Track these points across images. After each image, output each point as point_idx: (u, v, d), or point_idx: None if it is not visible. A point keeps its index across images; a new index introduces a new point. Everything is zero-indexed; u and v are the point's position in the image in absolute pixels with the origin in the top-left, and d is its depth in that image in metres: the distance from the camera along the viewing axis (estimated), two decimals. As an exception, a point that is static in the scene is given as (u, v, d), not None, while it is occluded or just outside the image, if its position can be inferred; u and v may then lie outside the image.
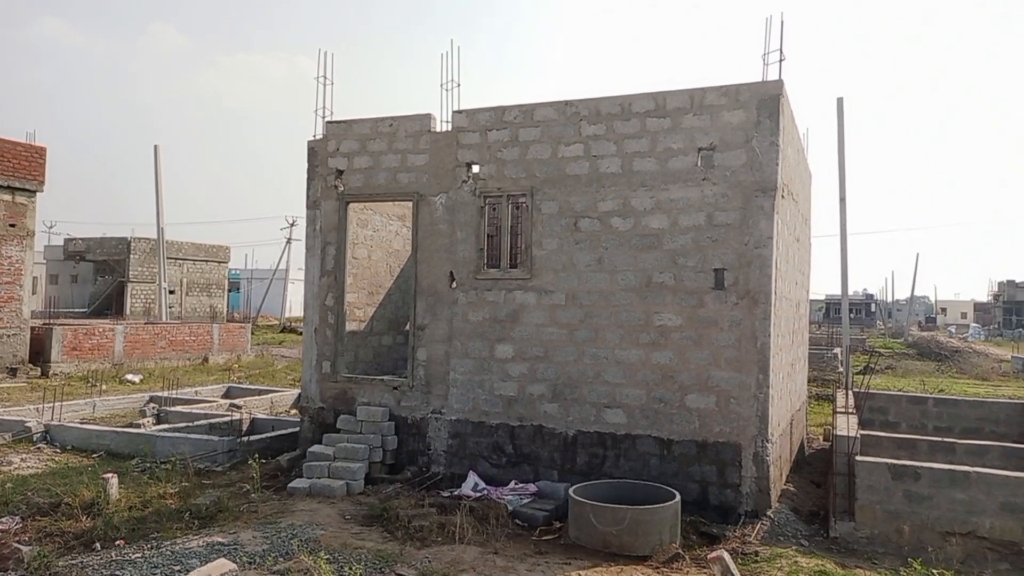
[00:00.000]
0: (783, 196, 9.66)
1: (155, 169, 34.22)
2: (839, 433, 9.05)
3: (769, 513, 9.05)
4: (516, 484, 9.95)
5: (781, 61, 9.41)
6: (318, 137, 11.82)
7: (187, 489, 9.96)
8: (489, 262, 10.86)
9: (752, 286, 9.22)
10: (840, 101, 24.65)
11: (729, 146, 9.39)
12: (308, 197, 11.85)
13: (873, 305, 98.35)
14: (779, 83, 9.29)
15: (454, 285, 10.80)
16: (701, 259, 9.47)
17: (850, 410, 11.55)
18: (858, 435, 9.03)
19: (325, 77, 11.82)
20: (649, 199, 9.74)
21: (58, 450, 12.75)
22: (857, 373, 26.95)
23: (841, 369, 29.37)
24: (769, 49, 9.48)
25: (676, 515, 8.24)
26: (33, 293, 51.51)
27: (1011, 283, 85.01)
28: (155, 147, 34.07)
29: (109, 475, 9.64)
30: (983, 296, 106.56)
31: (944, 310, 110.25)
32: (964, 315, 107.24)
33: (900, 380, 29.38)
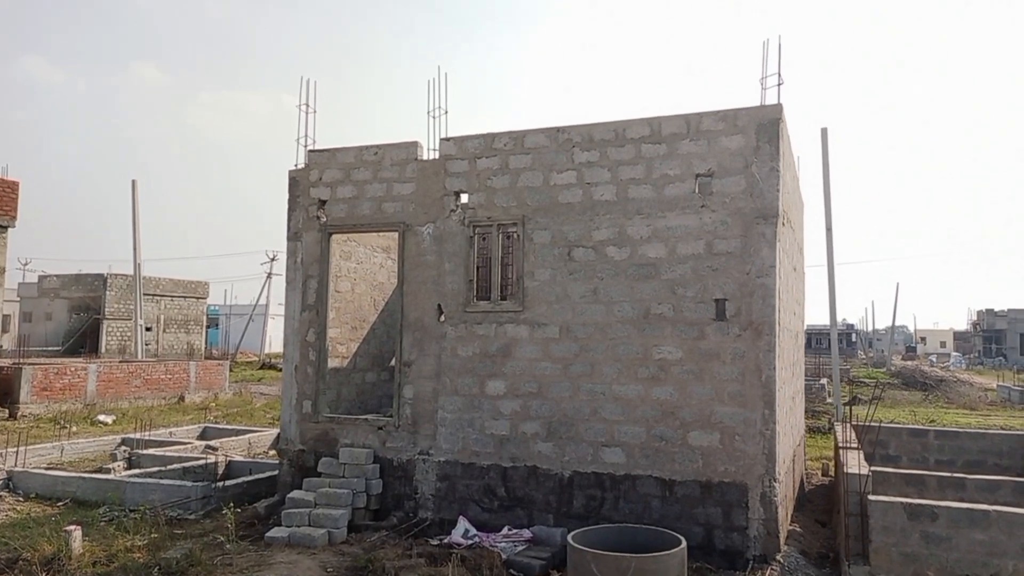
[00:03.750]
0: (783, 224, 9.32)
1: (132, 204, 33.60)
2: (850, 471, 8.60)
3: (778, 557, 8.56)
4: (509, 530, 9.39)
5: (780, 85, 9.16)
6: (300, 166, 11.39)
7: (157, 541, 9.28)
8: (479, 294, 10.41)
9: (755, 317, 8.82)
10: (824, 131, 24.72)
11: (728, 172, 9.07)
12: (289, 228, 11.36)
13: (853, 335, 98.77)
14: (778, 107, 9.01)
15: (442, 319, 10.32)
16: (701, 289, 9.07)
17: (853, 445, 11.12)
18: (870, 473, 8.59)
19: (307, 105, 11.43)
20: (646, 227, 9.37)
21: (21, 498, 11.99)
22: (845, 404, 26.70)
23: (830, 400, 29.08)
24: (767, 73, 9.23)
25: (683, 563, 7.70)
26: (6, 332, 50.25)
27: (990, 312, 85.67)
28: (132, 182, 33.50)
29: (72, 527, 8.96)
30: (962, 325, 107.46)
31: (923, 339, 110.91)
32: (943, 344, 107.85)
33: (890, 411, 29.06)
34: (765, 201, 8.89)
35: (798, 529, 10.01)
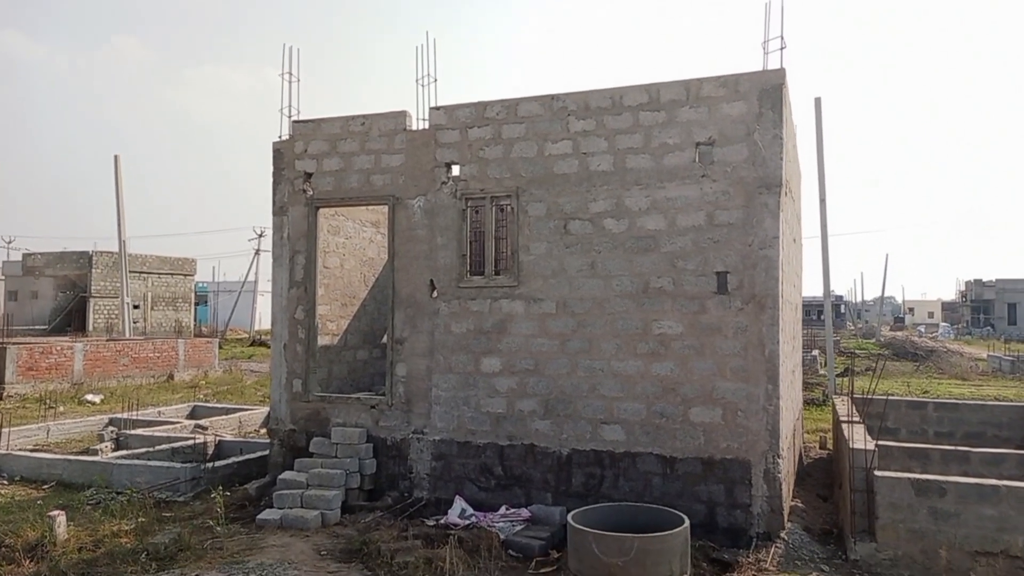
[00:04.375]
0: (785, 193, 9.03)
1: (115, 179, 32.97)
2: (856, 446, 8.41)
3: (782, 535, 8.39)
4: (507, 509, 9.18)
5: (782, 49, 8.81)
6: (284, 138, 10.98)
7: (144, 525, 9.03)
8: (472, 269, 10.10)
9: (758, 290, 8.56)
10: (818, 101, 24.32)
11: (729, 140, 8.75)
12: (274, 203, 10.99)
13: (842, 306, 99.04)
14: (781, 72, 8.67)
15: (435, 294, 10.02)
16: (702, 262, 8.80)
17: (854, 418, 10.95)
18: (876, 448, 8.40)
19: (290, 73, 11.00)
20: (644, 198, 9.06)
21: (5, 481, 11.71)
22: (838, 375, 26.64)
23: (823, 372, 29.04)
24: (769, 36, 8.88)
25: (686, 542, 7.50)
26: (-9, 311, 49.55)
27: (978, 282, 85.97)
28: (115, 157, 32.84)
29: (56, 512, 8.69)
30: (949, 295, 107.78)
31: (912, 310, 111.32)
32: (931, 314, 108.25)
33: (883, 382, 28.98)
34: (768, 170, 8.59)
35: (800, 505, 9.85)
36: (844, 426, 10.33)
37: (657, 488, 8.82)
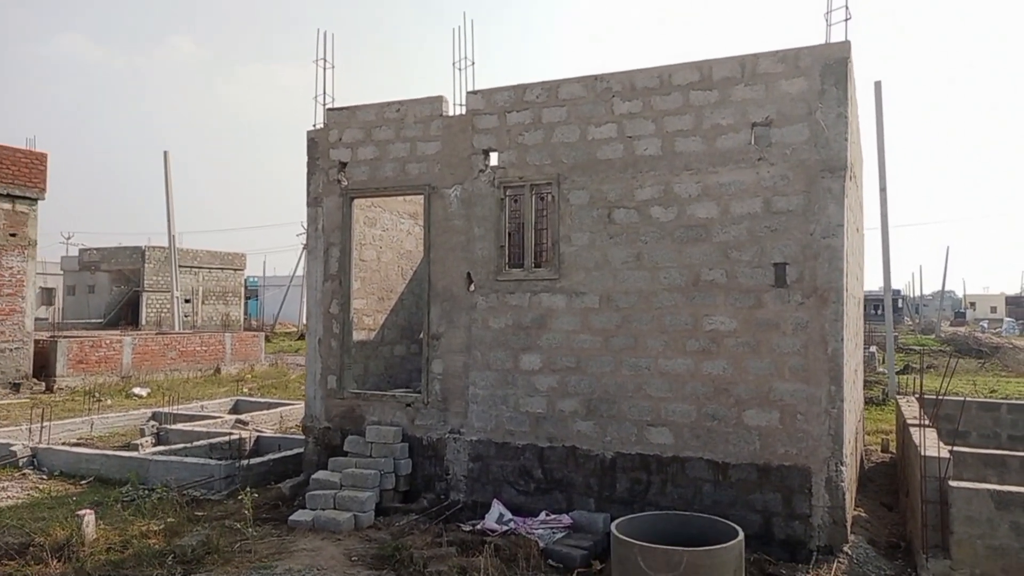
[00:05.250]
0: (850, 178, 8.32)
1: (165, 175, 33.40)
2: (929, 454, 7.68)
3: (845, 548, 7.72)
4: (547, 515, 8.69)
5: (847, 20, 8.09)
6: (318, 126, 10.64)
7: (173, 525, 8.78)
8: (511, 261, 9.62)
9: (820, 282, 7.88)
10: (878, 85, 23.24)
11: (788, 120, 8.07)
12: (308, 193, 10.67)
13: (900, 301, 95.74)
14: (846, 45, 7.96)
15: (472, 288, 9.56)
16: (758, 252, 8.15)
17: (924, 422, 10.16)
18: (951, 456, 7.66)
19: (325, 60, 10.65)
20: (695, 184, 8.44)
21: (44, 476, 11.67)
22: (898, 373, 25.41)
23: (882, 369, 27.79)
24: (832, 7, 8.16)
25: (740, 556, 6.91)
26: (51, 305, 51.02)
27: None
28: (164, 153, 33.27)
29: (85, 511, 8.49)
30: (1014, 289, 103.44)
31: (973, 304, 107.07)
32: (994, 309, 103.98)
33: (946, 381, 27.62)
34: (831, 152, 7.89)
35: (863, 515, 9.15)
36: (913, 430, 9.57)
37: (708, 496, 8.22)
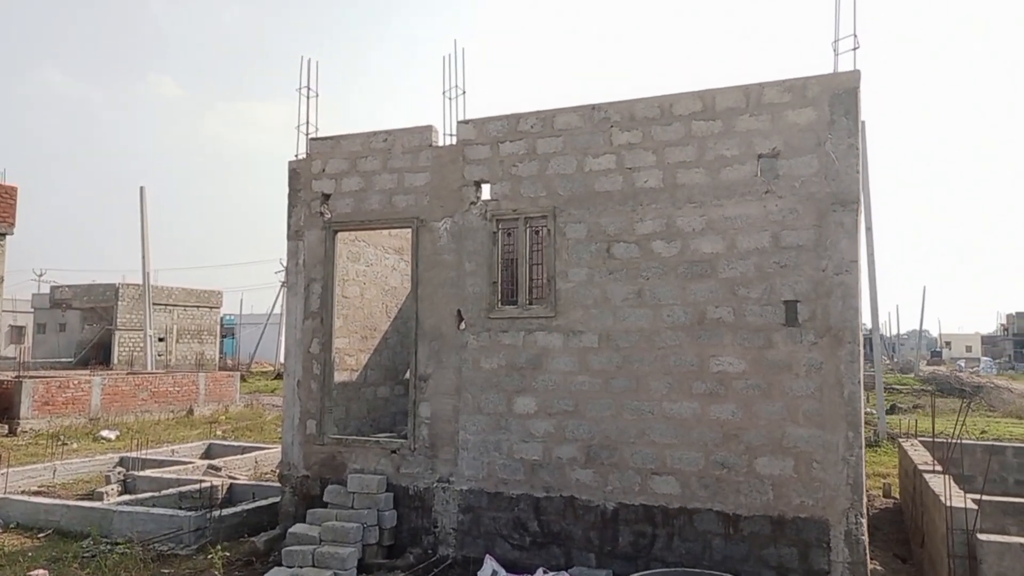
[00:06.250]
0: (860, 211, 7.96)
1: (141, 210, 32.67)
2: (954, 504, 7.20)
3: (868, 608, 7.16)
4: (544, 572, 8.05)
5: (856, 49, 7.79)
6: (301, 156, 10.16)
7: (136, 586, 8.04)
8: (504, 298, 9.11)
9: (833, 321, 7.45)
10: (862, 125, 23.28)
11: (796, 151, 7.72)
12: (289, 226, 10.13)
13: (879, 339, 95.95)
14: (856, 74, 7.65)
15: (463, 326, 9.03)
16: (767, 289, 7.72)
17: (936, 467, 9.71)
18: (978, 508, 7.18)
19: (308, 88, 10.20)
20: (699, 218, 8.03)
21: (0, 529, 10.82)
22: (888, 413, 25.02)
23: (870, 409, 27.44)
24: (839, 36, 7.87)
25: (759, 620, 6.36)
26: (21, 343, 49.53)
27: (1020, 315, 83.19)
28: (140, 188, 32.60)
29: (38, 571, 7.75)
30: (987, 329, 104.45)
31: (948, 344, 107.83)
32: (969, 348, 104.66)
33: (934, 421, 27.25)
34: (842, 184, 7.53)
35: (879, 567, 8.61)
36: (928, 477, 9.10)
37: (718, 551, 7.64)
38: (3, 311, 22.12)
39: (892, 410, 28.64)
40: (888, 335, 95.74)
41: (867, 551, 7.27)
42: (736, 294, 7.83)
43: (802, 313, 7.56)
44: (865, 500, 7.44)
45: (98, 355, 43.58)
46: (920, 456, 10.93)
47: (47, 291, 52.56)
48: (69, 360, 43.76)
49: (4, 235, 21.75)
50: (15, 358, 39.99)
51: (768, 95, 7.87)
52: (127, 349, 43.05)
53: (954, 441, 10.07)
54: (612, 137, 8.46)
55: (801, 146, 7.69)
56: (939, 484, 8.40)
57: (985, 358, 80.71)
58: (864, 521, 7.25)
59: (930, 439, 12.76)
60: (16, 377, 22.60)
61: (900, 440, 13.20)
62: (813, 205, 7.60)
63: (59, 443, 18.90)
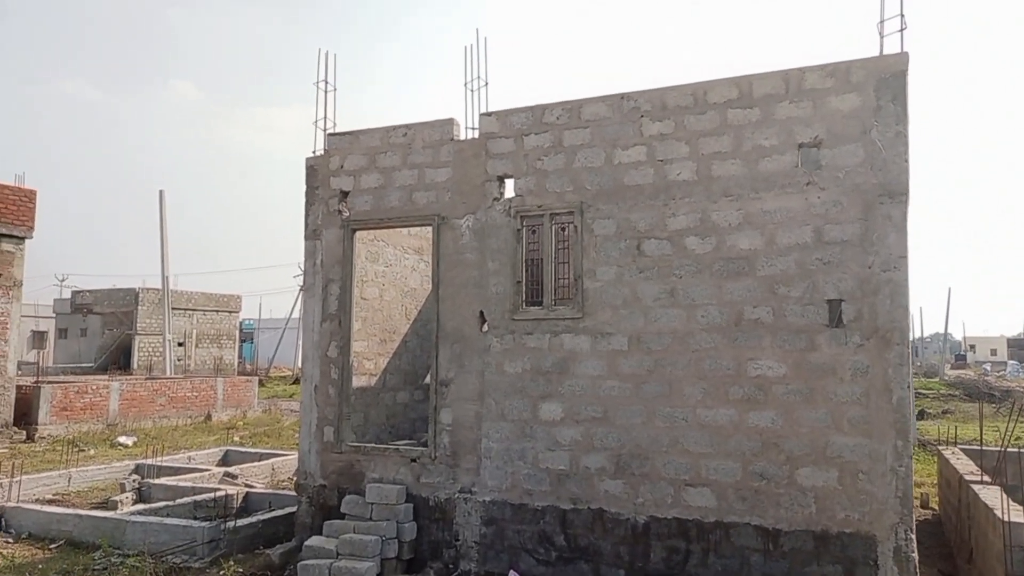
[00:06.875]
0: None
1: (160, 215, 32.66)
2: (1014, 520, 6.69)
3: (922, 630, 6.67)
4: (572, 588, 7.62)
5: (903, 31, 7.31)
6: (318, 153, 9.82)
7: (146, 601, 7.70)
8: (529, 298, 8.70)
9: (881, 322, 6.97)
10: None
11: (840, 140, 7.25)
12: (307, 225, 9.80)
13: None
14: (904, 56, 7.17)
15: (485, 328, 8.63)
16: (809, 287, 7.25)
17: (984, 478, 9.17)
18: (1043, 522, 6.66)
19: (326, 82, 9.87)
20: (735, 212, 7.58)
21: (10, 540, 10.54)
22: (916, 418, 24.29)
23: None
24: (885, 16, 7.39)
25: (807, 644, 5.89)
26: (43, 348, 49.82)
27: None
28: (159, 192, 32.58)
29: (45, 585, 7.43)
30: (1014, 331, 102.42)
31: (973, 347, 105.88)
32: (994, 351, 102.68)
33: (965, 427, 26.50)
34: (890, 174, 7.05)
35: (928, 585, 8.09)
36: (976, 488, 8.57)
37: (757, 568, 7.17)
38: (25, 316, 22.05)
39: (921, 415, 27.91)
40: (911, 338, 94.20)
41: (917, 570, 6.77)
42: (776, 293, 7.37)
43: (847, 313, 7.08)
44: (914, 514, 6.95)
45: (118, 360, 43.72)
46: (964, 465, 10.38)
47: (68, 296, 52.89)
48: (90, 365, 43.89)
49: (23, 238, 21.72)
50: (36, 363, 40.18)
51: (809, 80, 7.41)
52: (147, 354, 43.12)
53: (1003, 450, 9.51)
54: (642, 128, 8.04)
55: (845, 134, 7.23)
56: (992, 497, 7.89)
57: (1012, 361, 79.06)
58: (914, 537, 6.76)
59: (977, 448, 12.20)
60: (35, 382, 22.53)
61: (940, 448, 12.60)
62: (858, 197, 7.12)
63: (76, 449, 18.72)
